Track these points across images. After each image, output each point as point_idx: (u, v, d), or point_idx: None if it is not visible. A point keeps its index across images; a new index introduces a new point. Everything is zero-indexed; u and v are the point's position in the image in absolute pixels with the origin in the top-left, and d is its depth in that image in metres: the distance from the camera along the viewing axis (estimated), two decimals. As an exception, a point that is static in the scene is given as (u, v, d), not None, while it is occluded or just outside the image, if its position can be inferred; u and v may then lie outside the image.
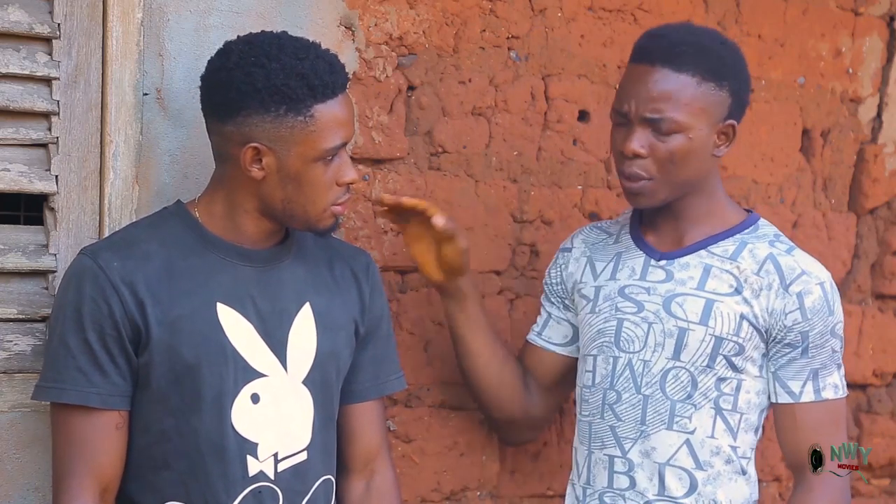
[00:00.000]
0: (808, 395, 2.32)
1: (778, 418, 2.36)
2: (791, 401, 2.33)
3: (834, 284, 2.36)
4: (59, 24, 2.18)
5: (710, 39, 2.37)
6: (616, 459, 2.36)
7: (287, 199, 2.08)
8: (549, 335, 2.55)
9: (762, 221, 2.41)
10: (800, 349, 2.31)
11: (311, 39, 2.12)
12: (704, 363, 2.31)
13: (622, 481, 2.35)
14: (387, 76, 2.57)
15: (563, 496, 2.83)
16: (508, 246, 2.76)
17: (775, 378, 2.33)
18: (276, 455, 2.11)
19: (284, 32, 2.13)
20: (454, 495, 2.74)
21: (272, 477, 2.11)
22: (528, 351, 2.58)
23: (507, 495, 2.80)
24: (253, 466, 2.09)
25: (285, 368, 2.13)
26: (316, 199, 2.09)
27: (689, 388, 2.32)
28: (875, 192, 3.28)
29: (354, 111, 2.16)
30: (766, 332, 2.32)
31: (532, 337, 2.58)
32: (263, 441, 2.10)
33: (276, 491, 2.11)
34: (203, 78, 2.11)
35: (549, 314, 2.55)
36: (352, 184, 2.13)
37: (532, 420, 2.63)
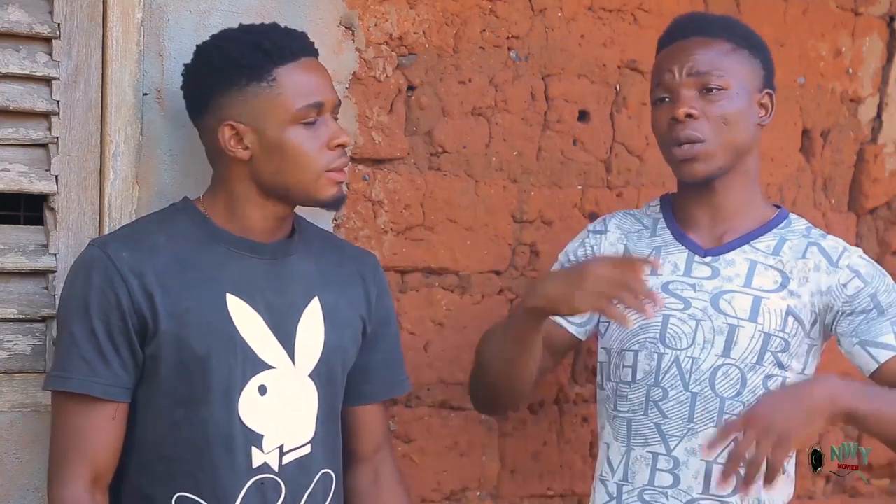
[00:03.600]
0: None
1: (887, 379, 2.26)
2: (894, 353, 2.26)
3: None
4: (59, 24, 2.18)
5: (735, 18, 2.47)
6: (660, 457, 2.32)
7: (277, 171, 2.08)
8: None
9: (793, 216, 2.42)
10: (875, 311, 2.28)
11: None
12: (754, 360, 2.30)
13: (665, 479, 2.32)
14: (387, 76, 2.57)
15: (563, 496, 2.84)
16: (508, 246, 2.76)
17: (864, 345, 2.27)
18: (281, 447, 2.12)
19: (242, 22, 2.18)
20: (454, 495, 2.74)
21: (276, 469, 2.11)
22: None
23: (507, 495, 2.80)
24: (257, 458, 2.10)
25: (293, 361, 2.14)
26: (305, 165, 2.08)
27: (738, 386, 2.30)
28: (875, 192, 3.28)
29: (331, 80, 2.15)
30: (824, 316, 2.31)
31: None
32: (269, 433, 2.11)
33: (279, 483, 2.12)
34: (181, 87, 2.16)
35: None
36: (344, 146, 2.11)
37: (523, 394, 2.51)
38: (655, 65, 2.40)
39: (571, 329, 2.47)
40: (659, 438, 2.33)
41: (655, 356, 2.33)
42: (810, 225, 2.42)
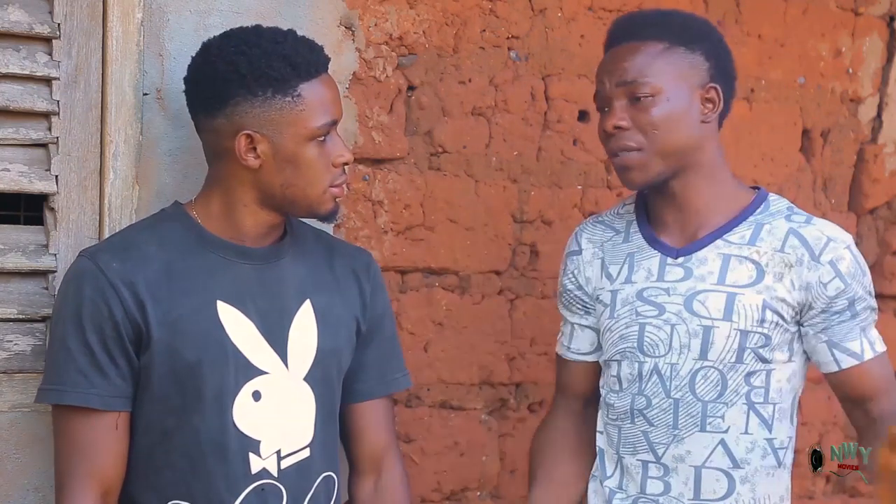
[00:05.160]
0: (868, 353, 2.29)
1: (843, 383, 2.30)
2: (857, 362, 2.28)
3: (855, 245, 2.34)
4: (59, 24, 2.18)
5: (674, 11, 2.41)
6: (650, 465, 2.31)
7: (286, 183, 2.09)
8: (577, 347, 2.43)
9: (772, 197, 2.36)
10: (849, 313, 2.27)
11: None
12: (732, 359, 2.27)
13: (656, 486, 2.31)
14: (387, 76, 2.57)
15: (563, 496, 2.83)
16: (508, 246, 2.76)
17: (831, 345, 2.28)
18: (278, 452, 2.11)
19: (259, 24, 2.15)
20: (454, 495, 2.74)
21: (275, 474, 2.11)
22: (564, 366, 2.47)
23: (507, 495, 2.80)
24: (255, 464, 2.09)
25: (286, 366, 2.13)
26: (314, 181, 2.09)
27: (719, 388, 2.28)
28: (875, 192, 3.28)
29: (339, 91, 2.16)
30: (801, 309, 2.28)
31: (562, 352, 2.46)
32: (266, 438, 2.10)
33: (279, 488, 2.11)
34: (187, 78, 2.13)
35: (572, 325, 2.43)
36: (346, 164, 2.13)
37: None
38: (596, 74, 2.36)
39: (590, 359, 2.43)
40: (647, 446, 2.32)
41: (636, 365, 2.32)
42: (793, 205, 2.36)
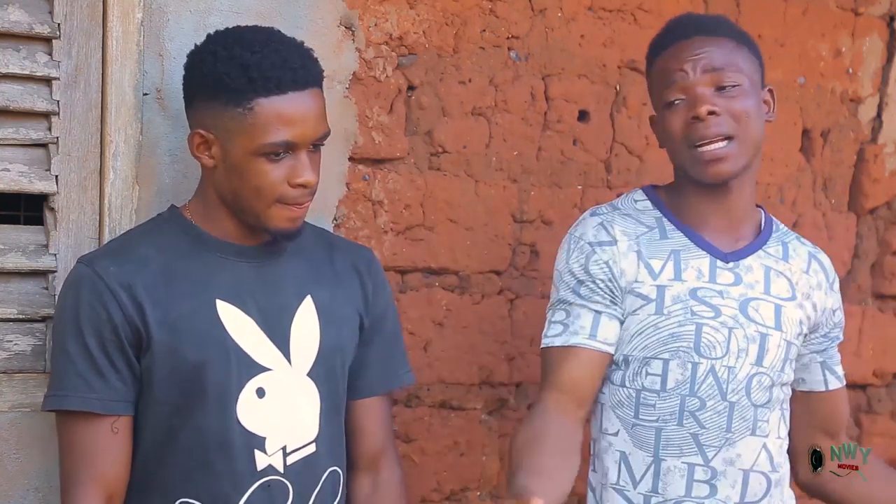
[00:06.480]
0: (843, 380, 2.47)
1: (824, 404, 2.45)
2: (840, 385, 2.45)
3: None
4: (59, 24, 2.18)
5: (722, 16, 2.51)
6: (697, 468, 2.27)
7: (234, 191, 2.08)
8: (605, 336, 2.27)
9: (771, 216, 2.43)
10: (837, 340, 2.45)
11: (300, 39, 2.12)
12: (779, 368, 2.31)
13: (702, 490, 2.27)
14: (387, 76, 2.57)
15: (562, 496, 2.83)
16: (508, 246, 2.76)
17: (825, 367, 2.43)
18: (284, 448, 2.12)
19: (270, 27, 2.13)
20: (454, 495, 2.74)
21: (281, 470, 2.11)
22: (574, 358, 2.27)
23: (507, 495, 2.79)
24: (261, 460, 2.10)
25: (289, 362, 2.13)
26: (258, 195, 2.06)
27: (768, 394, 2.30)
28: (875, 192, 3.28)
29: (323, 112, 2.08)
30: (812, 329, 2.39)
31: (583, 341, 2.26)
32: (271, 435, 2.10)
33: (285, 484, 2.11)
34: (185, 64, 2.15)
35: (599, 312, 2.27)
36: (306, 186, 2.07)
37: None
38: (659, 67, 2.30)
39: (611, 350, 2.29)
40: (696, 449, 2.27)
41: (690, 365, 2.27)
42: (787, 228, 2.46)
